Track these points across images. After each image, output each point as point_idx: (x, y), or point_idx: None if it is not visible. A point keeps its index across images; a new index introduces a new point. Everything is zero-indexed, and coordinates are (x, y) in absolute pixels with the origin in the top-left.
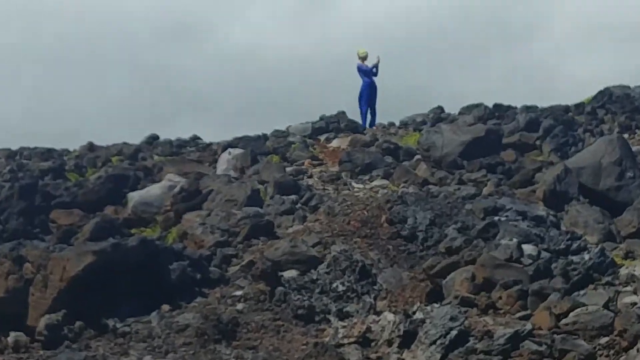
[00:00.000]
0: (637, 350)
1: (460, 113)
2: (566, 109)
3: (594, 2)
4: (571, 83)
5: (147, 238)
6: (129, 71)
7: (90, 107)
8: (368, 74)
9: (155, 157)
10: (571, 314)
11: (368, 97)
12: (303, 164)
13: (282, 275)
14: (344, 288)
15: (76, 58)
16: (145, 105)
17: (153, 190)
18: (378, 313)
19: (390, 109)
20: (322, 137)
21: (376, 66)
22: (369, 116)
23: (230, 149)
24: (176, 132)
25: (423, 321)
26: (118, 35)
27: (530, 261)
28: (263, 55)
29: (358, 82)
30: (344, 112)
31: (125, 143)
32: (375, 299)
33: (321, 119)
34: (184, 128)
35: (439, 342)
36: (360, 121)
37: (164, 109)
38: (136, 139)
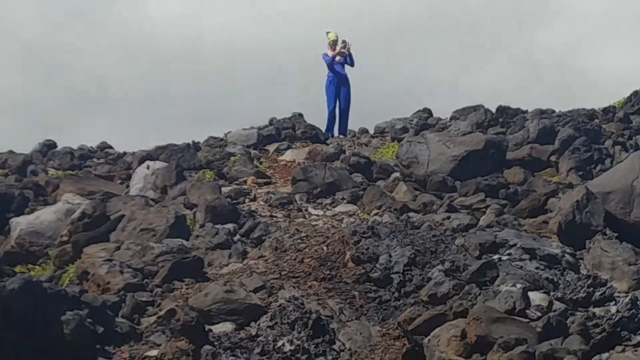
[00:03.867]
0: None
1: (452, 118)
2: (591, 114)
3: None
4: (599, 80)
5: (33, 279)
6: (13, 59)
7: None
8: (333, 65)
9: (51, 172)
10: None
11: (333, 95)
12: (245, 182)
13: (211, 330)
14: (293, 348)
15: None
16: (37, 102)
17: (45, 215)
18: None
19: (366, 112)
20: (272, 148)
21: (349, 56)
22: (337, 121)
23: (149, 162)
24: (79, 139)
25: None
26: None
27: (539, 314)
28: (191, 37)
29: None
30: (300, 115)
31: (10, 152)
32: None
33: (271, 123)
34: (89, 133)
35: None
36: (323, 127)
37: (63, 107)
38: (26, 146)
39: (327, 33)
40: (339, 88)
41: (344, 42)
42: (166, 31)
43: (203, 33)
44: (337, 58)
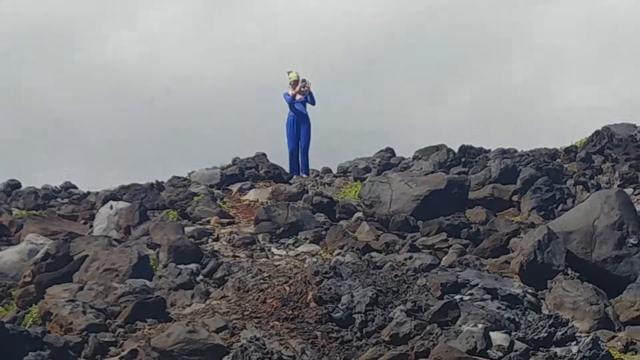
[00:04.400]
0: None
1: (415, 158)
2: (553, 153)
3: (589, 6)
4: (560, 118)
5: None
6: None
7: None
8: (293, 104)
9: (14, 212)
10: None
11: (294, 134)
12: (208, 222)
13: None
14: None
15: None
16: (2, 138)
17: (8, 256)
18: None
19: (327, 152)
20: (235, 188)
21: (310, 94)
22: (299, 160)
23: (112, 202)
24: (43, 178)
25: None
26: None
27: (501, 354)
28: (156, 74)
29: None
30: (264, 155)
31: None
32: None
33: (234, 163)
34: (53, 173)
35: None
36: (286, 166)
37: (26, 147)
38: None
39: (289, 72)
40: (299, 127)
41: (303, 81)
42: (127, 69)
43: (163, 71)
44: (298, 97)
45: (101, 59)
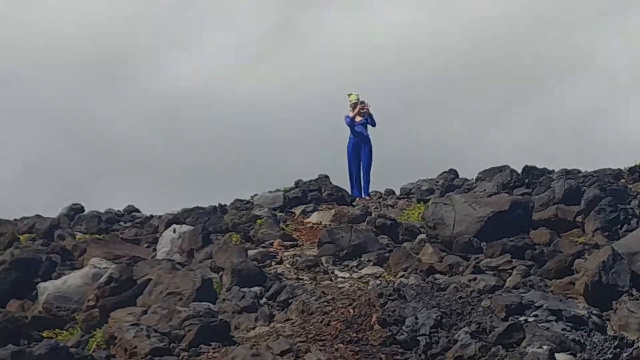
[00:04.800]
0: None
1: (478, 179)
2: (617, 174)
3: None
4: (623, 138)
5: (59, 344)
6: (39, 123)
7: None
8: (353, 126)
9: (78, 236)
10: None
11: (353, 157)
12: (271, 245)
13: None
14: None
15: None
16: (63, 166)
17: (72, 280)
18: None
19: (389, 174)
20: (298, 210)
21: (370, 116)
22: (361, 183)
23: (175, 226)
24: (106, 203)
25: None
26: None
27: None
28: (217, 101)
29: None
30: (326, 177)
31: (38, 216)
32: None
33: (297, 185)
34: (115, 197)
35: None
36: (348, 189)
37: (89, 170)
38: (52, 211)
39: (349, 95)
40: (360, 149)
41: (362, 103)
42: (190, 95)
43: (224, 96)
44: (358, 119)
45: (161, 85)
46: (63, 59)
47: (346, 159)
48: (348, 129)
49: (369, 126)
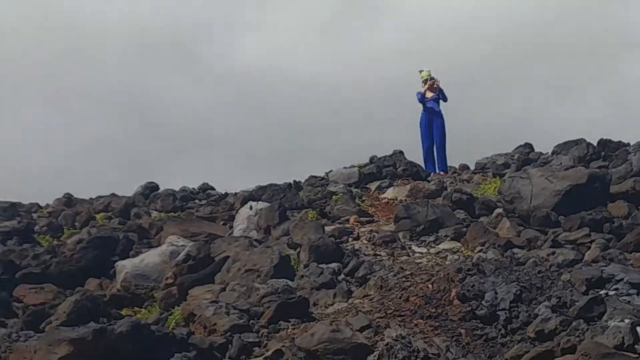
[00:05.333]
0: None
1: (554, 152)
2: None
3: None
4: None
5: (141, 321)
6: (109, 105)
7: (62, 148)
8: (425, 102)
9: (153, 214)
10: None
11: (426, 133)
12: (347, 221)
13: None
14: None
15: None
16: (137, 144)
17: (150, 258)
18: None
19: (464, 148)
20: (373, 186)
21: (441, 91)
22: (435, 157)
23: (251, 202)
24: (180, 180)
25: None
26: (81, 56)
27: None
28: (291, 78)
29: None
30: (401, 152)
31: (113, 195)
32: None
33: (371, 161)
34: (189, 174)
35: None
36: (422, 164)
37: (162, 148)
38: (128, 189)
39: (420, 71)
40: (432, 124)
41: (432, 78)
42: (263, 70)
43: (297, 75)
44: (429, 94)
45: (230, 64)
46: (136, 40)
47: (419, 135)
48: (420, 105)
49: (441, 102)
